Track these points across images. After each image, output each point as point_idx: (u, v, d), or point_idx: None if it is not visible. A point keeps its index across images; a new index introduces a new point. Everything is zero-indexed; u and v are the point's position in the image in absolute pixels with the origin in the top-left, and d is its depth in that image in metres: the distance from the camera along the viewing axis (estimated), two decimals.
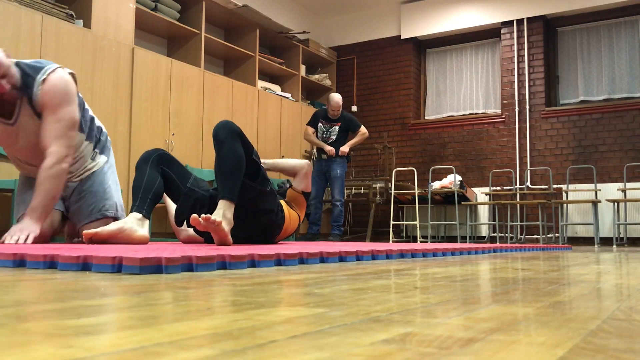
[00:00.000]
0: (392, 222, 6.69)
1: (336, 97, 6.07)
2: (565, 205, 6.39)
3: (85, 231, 2.28)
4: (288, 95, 7.16)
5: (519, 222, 6.76)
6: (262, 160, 2.89)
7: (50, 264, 1.33)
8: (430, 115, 7.90)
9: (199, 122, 5.68)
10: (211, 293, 0.86)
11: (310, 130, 6.20)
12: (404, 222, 7.04)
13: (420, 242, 6.26)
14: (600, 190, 6.36)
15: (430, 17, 7.66)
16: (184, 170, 2.69)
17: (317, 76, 7.93)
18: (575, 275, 1.44)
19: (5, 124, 2.47)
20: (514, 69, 7.15)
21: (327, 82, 8.08)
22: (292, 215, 2.83)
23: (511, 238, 6.73)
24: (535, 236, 6.73)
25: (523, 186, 6.92)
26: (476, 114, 7.52)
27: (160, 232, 5.15)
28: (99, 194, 2.73)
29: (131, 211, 2.45)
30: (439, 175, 7.16)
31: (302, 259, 1.68)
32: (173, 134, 5.33)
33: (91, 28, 4.69)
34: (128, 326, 0.55)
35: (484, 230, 6.92)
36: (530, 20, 7.11)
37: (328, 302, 0.77)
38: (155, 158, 2.58)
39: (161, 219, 5.03)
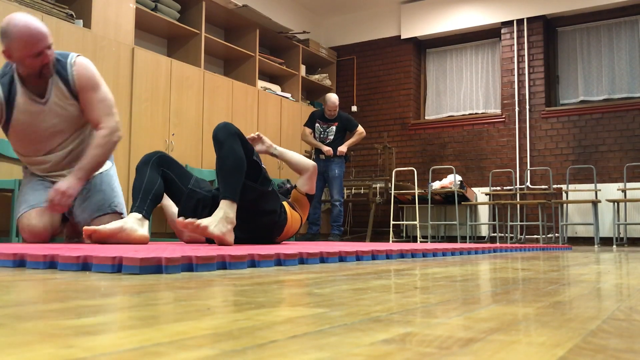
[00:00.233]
0: (392, 222, 6.69)
1: (333, 97, 6.07)
2: (565, 205, 6.39)
3: (85, 227, 2.29)
4: (288, 95, 7.16)
5: (519, 222, 6.76)
6: (274, 146, 2.92)
7: (50, 264, 1.33)
8: (430, 115, 7.90)
9: (199, 122, 5.68)
10: (211, 293, 0.86)
11: (308, 131, 6.20)
12: (404, 222, 7.04)
13: (420, 242, 6.27)
14: (600, 190, 6.36)
15: (430, 17, 7.66)
16: (184, 171, 2.69)
17: (317, 76, 7.93)
18: (575, 275, 1.44)
19: (38, 102, 2.57)
20: (514, 69, 7.15)
21: (327, 82, 8.08)
22: (294, 216, 2.82)
23: (511, 238, 6.73)
24: (535, 236, 6.73)
25: (523, 186, 6.92)
26: (476, 114, 7.52)
27: (160, 232, 5.15)
28: (108, 192, 2.77)
29: (131, 211, 2.45)
30: (439, 175, 7.16)
31: (302, 259, 1.68)
32: (173, 134, 5.33)
33: (91, 28, 4.69)
34: (128, 326, 0.55)
35: (484, 230, 6.92)
36: (530, 20, 7.11)
37: (328, 302, 0.77)
38: (155, 160, 2.58)
39: (161, 219, 5.03)
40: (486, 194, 6.84)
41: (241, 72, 6.66)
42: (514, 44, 7.18)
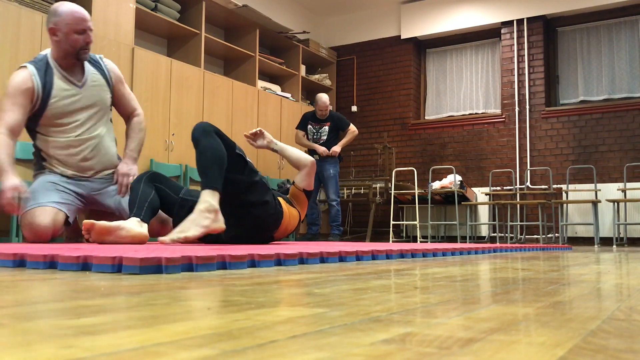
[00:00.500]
0: (392, 222, 6.69)
1: (323, 97, 6.09)
2: (565, 205, 6.39)
3: (85, 220, 2.34)
4: (288, 95, 7.16)
5: (519, 222, 6.76)
6: (274, 141, 3.01)
7: (50, 264, 1.33)
8: (430, 115, 7.90)
9: (199, 122, 5.67)
10: (211, 293, 0.86)
11: (301, 133, 6.21)
12: (404, 222, 7.04)
13: (420, 242, 6.27)
14: (600, 190, 6.36)
15: (430, 17, 7.66)
16: (175, 184, 2.77)
17: (317, 76, 7.93)
18: (575, 275, 1.44)
19: (75, 85, 2.77)
20: (514, 69, 7.15)
21: (327, 82, 8.08)
22: (292, 213, 2.83)
23: (511, 238, 6.73)
24: (535, 236, 6.73)
25: (523, 186, 6.92)
26: (476, 114, 7.52)
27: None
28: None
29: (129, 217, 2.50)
30: (439, 175, 7.16)
31: (302, 259, 1.68)
32: (173, 134, 5.33)
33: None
34: (128, 326, 0.55)
35: (484, 230, 6.92)
36: (530, 20, 7.11)
37: (328, 302, 0.77)
38: (147, 177, 2.66)
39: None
40: (486, 194, 6.84)
41: (241, 72, 6.66)
42: (514, 44, 7.18)
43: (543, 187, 6.76)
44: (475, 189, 7.02)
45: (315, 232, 6.11)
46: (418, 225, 6.53)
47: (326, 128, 6.09)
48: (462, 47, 7.74)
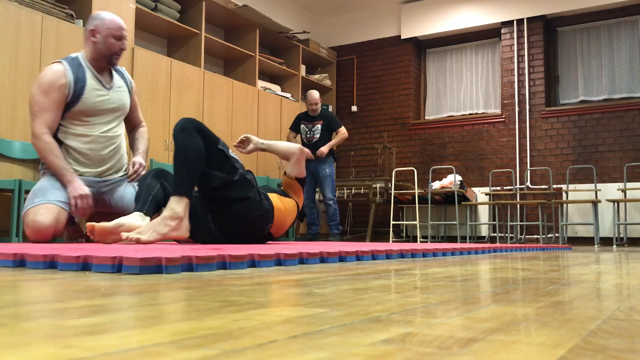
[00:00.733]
0: (392, 222, 6.69)
1: (313, 92, 6.15)
2: (565, 205, 6.39)
3: (88, 223, 2.35)
4: (288, 95, 7.16)
5: (519, 222, 6.76)
6: (260, 141, 3.02)
7: (50, 264, 1.33)
8: (430, 115, 7.90)
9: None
10: (211, 293, 0.86)
11: (292, 135, 6.22)
12: (404, 222, 7.04)
13: (420, 242, 6.27)
14: (600, 190, 6.36)
15: (430, 17, 7.66)
16: None
17: (317, 76, 7.93)
18: (575, 275, 1.44)
19: (104, 87, 2.89)
20: (514, 69, 7.15)
21: (327, 82, 8.08)
22: (288, 205, 2.83)
23: (511, 238, 6.73)
24: (535, 236, 6.73)
25: (523, 186, 6.92)
26: (476, 114, 7.52)
27: None
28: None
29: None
30: (439, 175, 7.16)
31: (302, 259, 1.68)
32: None
33: None
34: (128, 326, 0.55)
35: (484, 230, 6.92)
36: (530, 20, 7.11)
37: (328, 302, 0.77)
38: (153, 174, 2.69)
39: None
40: (486, 194, 6.84)
41: (241, 72, 6.66)
42: (514, 44, 7.18)
43: (543, 187, 6.76)
44: (475, 189, 7.02)
45: (315, 232, 6.12)
46: (418, 225, 6.53)
47: (318, 126, 6.09)
48: (462, 47, 7.74)
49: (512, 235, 6.78)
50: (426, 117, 7.90)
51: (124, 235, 2.25)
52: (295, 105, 7.15)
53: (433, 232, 7.13)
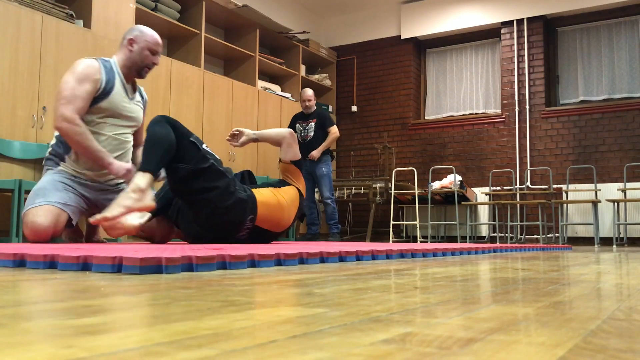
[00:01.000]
0: (392, 222, 6.69)
1: (306, 89, 6.17)
2: (565, 205, 6.39)
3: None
4: (288, 95, 7.16)
5: (519, 222, 6.76)
6: (252, 132, 3.11)
7: (50, 264, 1.33)
8: (430, 115, 7.90)
9: (199, 122, 5.68)
10: (211, 293, 0.86)
11: None
12: (404, 222, 7.04)
13: (420, 242, 6.27)
14: (600, 190, 6.36)
15: (430, 17, 7.66)
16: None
17: (317, 76, 7.93)
18: (575, 275, 1.44)
19: (127, 96, 2.96)
20: (514, 69, 7.15)
21: (327, 82, 8.08)
22: (285, 196, 2.85)
23: (511, 238, 6.73)
24: (535, 236, 6.73)
25: (523, 186, 6.92)
26: (476, 114, 7.52)
27: None
28: None
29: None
30: (439, 175, 7.16)
31: (302, 259, 1.68)
32: None
33: (91, 28, 4.69)
34: (128, 326, 0.55)
35: (484, 230, 6.92)
36: (530, 20, 7.11)
37: (328, 302, 0.77)
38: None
39: None
40: (486, 194, 6.84)
41: (241, 72, 6.65)
42: (514, 44, 7.18)
43: (543, 187, 6.76)
44: (475, 189, 7.02)
45: (315, 231, 6.11)
46: (418, 225, 6.52)
47: (312, 125, 6.09)
48: (462, 47, 7.74)
49: (512, 235, 6.78)
50: (426, 117, 7.90)
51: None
52: (295, 106, 7.15)
53: (433, 232, 7.13)
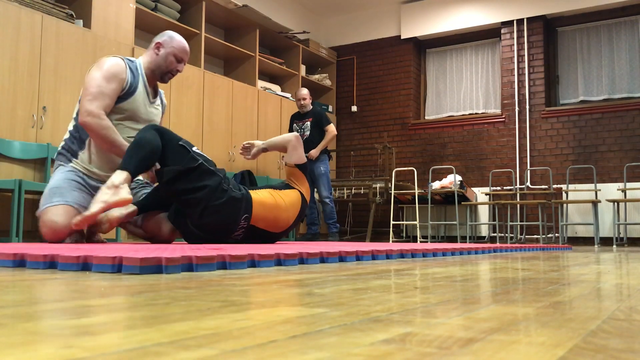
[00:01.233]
0: (392, 222, 6.69)
1: (301, 89, 6.20)
2: (565, 205, 6.39)
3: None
4: (288, 95, 7.16)
5: (519, 222, 6.76)
6: (260, 143, 3.20)
7: (50, 264, 1.33)
8: (430, 115, 7.90)
9: (199, 122, 5.68)
10: (211, 293, 0.86)
11: None
12: (404, 222, 7.04)
13: (420, 242, 6.27)
14: (600, 190, 6.36)
15: (430, 17, 7.66)
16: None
17: (317, 76, 7.93)
18: (575, 275, 1.44)
19: (148, 99, 2.96)
20: (514, 69, 7.15)
21: (327, 82, 8.08)
22: (284, 198, 2.86)
23: (511, 238, 6.73)
24: (535, 236, 6.73)
25: (523, 186, 6.92)
26: (476, 114, 7.52)
27: None
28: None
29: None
30: (439, 175, 7.16)
31: (302, 259, 1.68)
32: None
33: (91, 28, 4.69)
34: (128, 326, 0.55)
35: (484, 230, 6.92)
36: (530, 20, 7.11)
37: (328, 302, 0.77)
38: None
39: None
40: (486, 194, 6.84)
41: (241, 72, 6.66)
42: (514, 44, 7.18)
43: (543, 187, 6.76)
44: (475, 189, 7.02)
45: (315, 231, 6.11)
46: (418, 225, 6.52)
47: (308, 124, 6.10)
48: (462, 47, 7.74)
49: (512, 235, 6.78)
50: (426, 117, 7.90)
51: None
52: (295, 105, 7.15)
53: (433, 232, 7.13)
